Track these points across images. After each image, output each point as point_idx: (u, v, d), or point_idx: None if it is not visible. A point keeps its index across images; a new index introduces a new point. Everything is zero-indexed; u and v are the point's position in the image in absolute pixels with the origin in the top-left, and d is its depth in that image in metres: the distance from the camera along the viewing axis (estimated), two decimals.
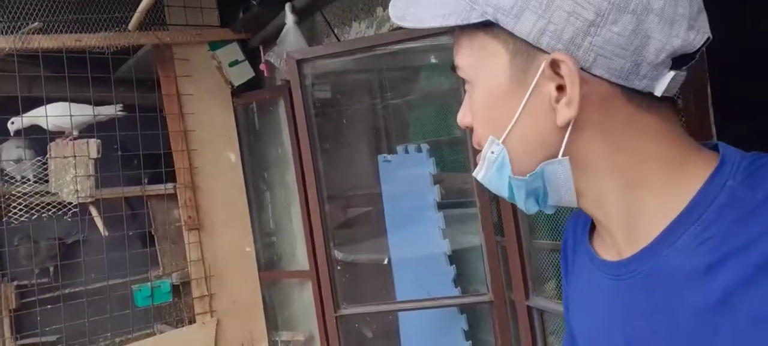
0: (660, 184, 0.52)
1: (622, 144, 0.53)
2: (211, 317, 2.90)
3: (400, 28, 1.93)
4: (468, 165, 1.94)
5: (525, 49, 0.52)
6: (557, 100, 0.52)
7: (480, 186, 1.90)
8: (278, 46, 2.36)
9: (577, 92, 0.50)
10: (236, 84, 2.92)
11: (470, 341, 2.16)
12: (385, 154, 2.22)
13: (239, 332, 2.95)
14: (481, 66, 0.56)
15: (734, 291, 0.45)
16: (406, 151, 2.13)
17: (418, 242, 2.18)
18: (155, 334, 2.93)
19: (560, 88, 0.51)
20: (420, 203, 2.11)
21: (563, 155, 0.53)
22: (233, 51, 2.91)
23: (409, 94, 2.33)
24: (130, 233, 2.92)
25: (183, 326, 2.91)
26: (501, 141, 0.56)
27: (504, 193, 0.59)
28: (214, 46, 2.90)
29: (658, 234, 0.52)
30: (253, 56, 2.91)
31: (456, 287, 2.11)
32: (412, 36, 1.89)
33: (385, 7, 1.98)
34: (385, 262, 2.38)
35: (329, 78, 2.50)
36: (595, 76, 0.51)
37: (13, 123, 2.66)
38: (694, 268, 0.48)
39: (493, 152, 0.57)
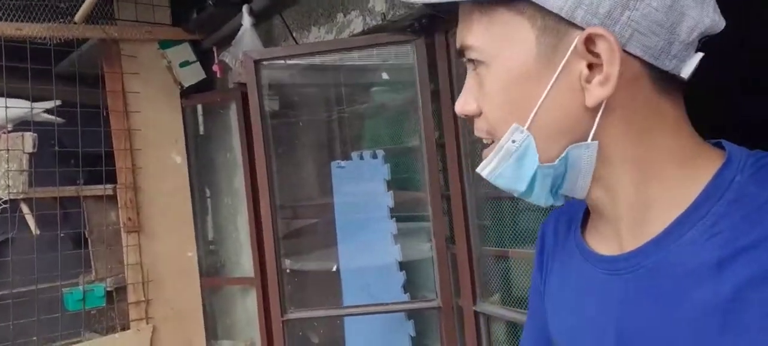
0: (672, 177, 0.51)
1: (643, 131, 0.51)
2: (147, 323, 2.78)
3: (361, 33, 1.97)
4: (423, 172, 1.99)
5: (555, 24, 0.49)
6: (588, 80, 0.49)
7: (433, 193, 1.95)
8: (234, 47, 2.34)
9: (616, 70, 0.47)
10: (186, 85, 2.86)
11: None
12: (340, 161, 2.23)
13: (177, 339, 2.85)
14: (501, 45, 0.52)
15: (746, 288, 0.44)
16: (361, 158, 2.15)
17: (369, 249, 2.20)
18: (83, 341, 2.78)
19: (590, 67, 0.49)
20: (373, 209, 2.13)
21: (593, 139, 0.51)
22: (185, 51, 2.85)
23: (365, 103, 2.36)
24: (63, 234, 2.77)
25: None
26: (526, 127, 0.52)
27: (520, 186, 0.54)
28: (165, 44, 2.83)
29: (664, 228, 0.51)
30: (205, 58, 2.86)
31: (405, 293, 2.14)
32: (374, 42, 1.93)
33: (346, 13, 2.02)
34: (334, 269, 2.37)
35: (286, 86, 2.50)
36: (629, 54, 0.48)
37: None
38: (702, 263, 0.47)
39: (514, 141, 0.52)
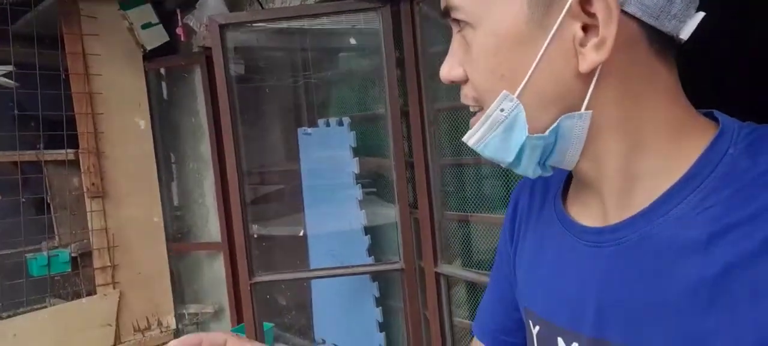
0: (663, 147, 0.49)
1: (637, 98, 0.48)
2: (114, 289, 2.79)
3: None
4: (387, 139, 2.03)
5: None
6: (582, 44, 0.46)
7: (397, 160, 2.00)
8: (198, 10, 2.31)
9: (613, 32, 0.44)
10: (149, 48, 2.80)
11: (380, 308, 2.26)
12: (306, 127, 2.25)
13: (144, 304, 2.87)
14: (489, 6, 0.48)
15: (737, 265, 0.42)
16: (328, 125, 2.18)
17: (335, 214, 2.25)
18: (48, 307, 2.77)
19: (585, 29, 0.46)
20: (339, 176, 2.17)
21: (587, 108, 0.48)
22: (147, 12, 2.79)
23: (331, 70, 2.38)
24: (24, 200, 2.73)
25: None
26: (516, 95, 0.49)
27: (508, 157, 0.51)
28: (125, 6, 2.76)
29: (652, 201, 0.49)
30: (168, 20, 2.81)
31: (370, 256, 2.20)
32: (339, 9, 1.94)
33: None
34: (301, 234, 2.42)
35: (252, 50, 2.48)
36: (627, 14, 0.45)
37: None
38: (690, 239, 0.45)
39: (503, 109, 0.49)
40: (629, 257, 0.50)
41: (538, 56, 0.47)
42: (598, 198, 0.53)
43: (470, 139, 0.52)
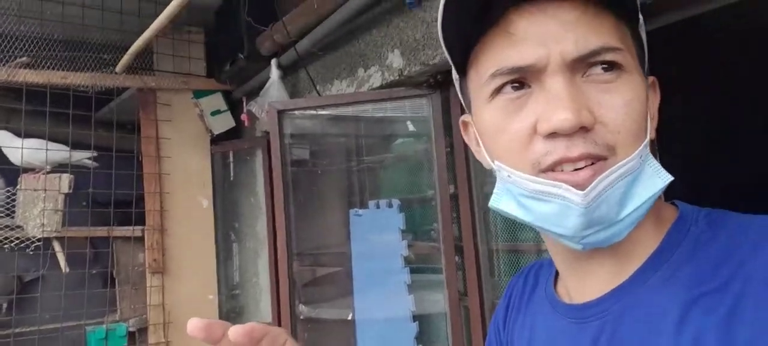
0: (649, 225, 0.54)
1: None
2: None
3: (379, 88, 2.04)
4: (437, 223, 2.01)
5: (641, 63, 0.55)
6: (651, 115, 0.54)
7: (446, 244, 1.97)
8: (261, 97, 2.45)
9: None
10: (216, 133, 2.98)
11: None
12: (357, 209, 2.27)
13: None
14: (634, 54, 0.53)
15: (708, 329, 0.46)
16: (378, 206, 2.19)
17: (383, 299, 2.21)
18: None
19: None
20: (388, 259, 2.15)
21: None
22: (216, 101, 2.99)
23: (383, 154, 2.42)
24: (94, 272, 2.87)
25: None
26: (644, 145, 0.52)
27: (623, 211, 0.51)
28: (198, 94, 2.98)
29: (630, 274, 0.53)
30: (234, 107, 2.99)
31: (418, 344, 2.13)
32: (390, 96, 2.00)
33: (366, 68, 2.10)
34: (349, 318, 2.38)
35: (309, 136, 2.59)
36: None
37: None
38: (663, 307, 0.49)
39: (641, 157, 0.51)
40: (611, 329, 0.53)
41: (649, 118, 0.53)
42: (590, 273, 0.56)
43: (589, 194, 0.48)
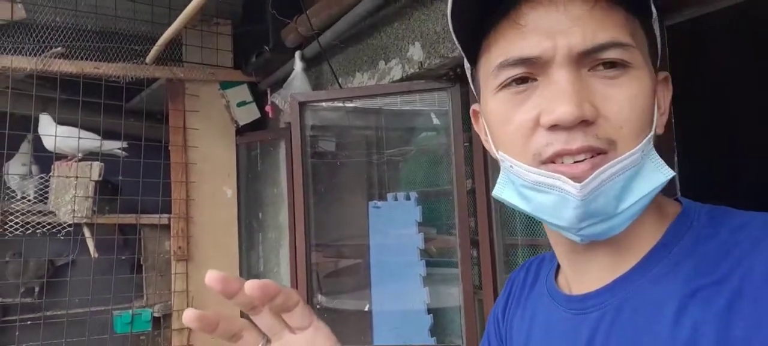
0: (652, 218, 0.55)
1: None
2: None
3: (400, 80, 2.05)
4: (453, 217, 2.01)
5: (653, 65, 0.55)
6: (660, 110, 0.55)
7: (463, 238, 1.96)
8: (285, 89, 2.48)
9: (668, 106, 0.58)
10: (241, 123, 3.03)
11: None
12: (376, 201, 2.29)
13: None
14: (643, 50, 0.53)
15: (705, 322, 0.47)
16: (396, 199, 2.21)
17: (399, 290, 2.22)
18: None
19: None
20: (404, 251, 2.16)
21: None
22: (242, 92, 3.04)
23: (403, 146, 2.43)
24: (123, 258, 2.96)
25: None
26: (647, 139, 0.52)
27: (622, 204, 0.52)
28: (225, 85, 3.04)
29: (632, 266, 0.54)
30: (260, 98, 3.04)
31: (432, 337, 2.13)
32: (410, 88, 2.01)
33: (387, 61, 2.11)
34: (366, 309, 2.40)
35: (329, 128, 2.61)
36: None
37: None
38: (664, 298, 0.50)
39: (643, 152, 0.52)
40: (611, 320, 0.53)
41: (655, 108, 0.53)
42: (590, 265, 0.57)
43: (586, 187, 0.49)
